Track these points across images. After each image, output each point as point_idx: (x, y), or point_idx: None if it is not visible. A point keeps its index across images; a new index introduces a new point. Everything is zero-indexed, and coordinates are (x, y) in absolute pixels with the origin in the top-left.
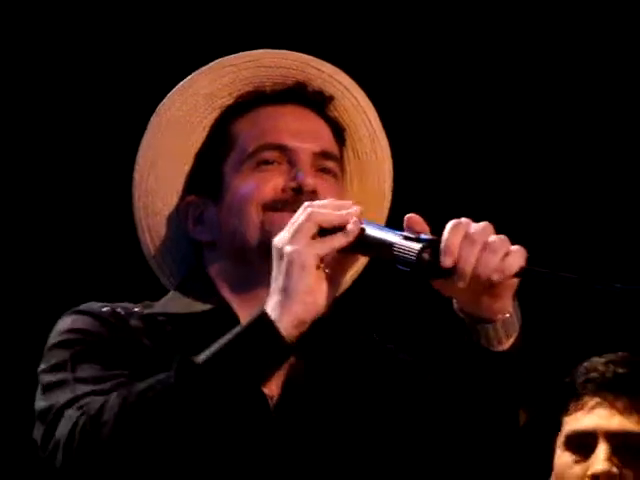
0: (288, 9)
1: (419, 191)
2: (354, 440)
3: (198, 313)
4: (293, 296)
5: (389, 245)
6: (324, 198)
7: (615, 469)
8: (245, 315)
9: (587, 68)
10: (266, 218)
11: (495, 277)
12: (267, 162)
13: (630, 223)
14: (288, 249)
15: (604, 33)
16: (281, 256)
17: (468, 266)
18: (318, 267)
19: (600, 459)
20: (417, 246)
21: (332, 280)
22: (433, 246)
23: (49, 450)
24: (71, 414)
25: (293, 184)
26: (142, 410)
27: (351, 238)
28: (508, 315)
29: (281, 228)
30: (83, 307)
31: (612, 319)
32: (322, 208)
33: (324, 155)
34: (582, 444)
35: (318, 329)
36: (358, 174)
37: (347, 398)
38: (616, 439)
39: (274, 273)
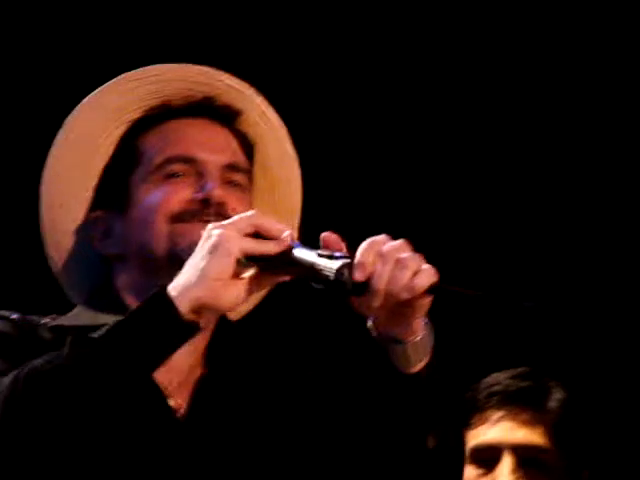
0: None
1: (333, 207)
2: (258, 452)
3: (104, 325)
4: (202, 279)
5: (310, 264)
6: (232, 210)
7: None
8: None
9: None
10: (174, 229)
11: (404, 295)
12: (175, 174)
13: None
14: (218, 231)
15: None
16: (209, 237)
17: (381, 282)
18: (238, 263)
19: (505, 473)
20: (335, 264)
21: (245, 287)
22: (349, 264)
23: None
24: None
25: (201, 195)
26: (32, 385)
27: (280, 248)
28: (419, 337)
29: (189, 239)
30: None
31: (516, 335)
32: (265, 217)
33: (232, 168)
34: (487, 458)
35: (228, 340)
36: (268, 189)
37: (254, 411)
38: (521, 452)
39: (194, 254)
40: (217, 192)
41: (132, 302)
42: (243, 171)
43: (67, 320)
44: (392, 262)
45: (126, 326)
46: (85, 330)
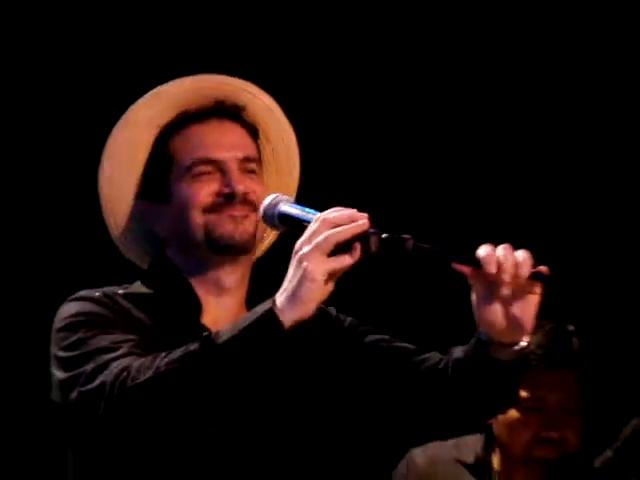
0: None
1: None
2: (314, 398)
3: (167, 294)
4: (299, 302)
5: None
6: (253, 193)
7: None
8: (202, 292)
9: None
10: (207, 220)
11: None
12: (202, 173)
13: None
14: (305, 264)
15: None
16: (300, 263)
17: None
18: (325, 281)
19: None
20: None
21: (330, 284)
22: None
23: (86, 406)
24: (106, 375)
25: (227, 190)
26: (170, 374)
27: (354, 259)
28: (524, 344)
29: (220, 226)
30: (79, 294)
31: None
32: (336, 224)
33: (246, 159)
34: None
35: (262, 291)
36: (274, 164)
37: (311, 363)
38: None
39: (289, 273)
40: (239, 187)
41: (183, 272)
42: (254, 160)
43: (135, 288)
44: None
45: (244, 335)
46: (149, 296)
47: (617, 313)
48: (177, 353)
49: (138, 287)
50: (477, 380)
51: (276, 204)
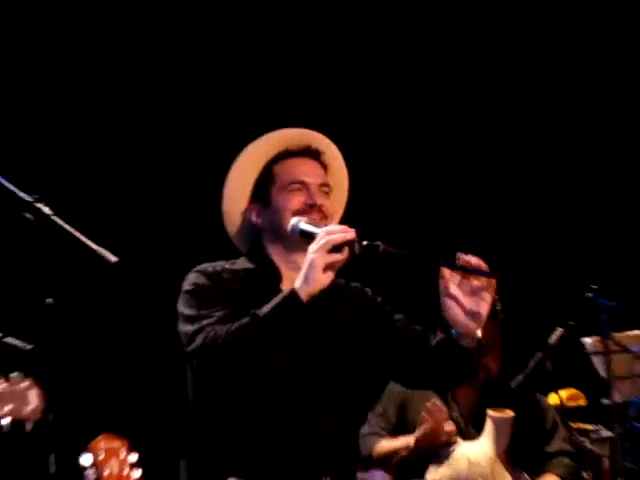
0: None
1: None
2: (346, 345)
3: (259, 268)
4: (309, 282)
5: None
6: (326, 210)
7: None
8: (283, 268)
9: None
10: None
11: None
12: (294, 190)
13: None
14: (312, 257)
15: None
16: (310, 257)
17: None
18: (325, 269)
19: None
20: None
21: (330, 272)
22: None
23: (190, 357)
24: (201, 336)
25: (310, 201)
26: (235, 337)
27: (345, 256)
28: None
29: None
30: (198, 267)
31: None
32: (334, 233)
33: (322, 185)
34: None
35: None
36: (335, 189)
37: (342, 318)
38: None
39: (304, 266)
40: (318, 200)
41: (273, 255)
42: (327, 185)
43: (240, 264)
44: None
45: (277, 307)
46: (247, 270)
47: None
48: (240, 322)
49: (242, 262)
50: (449, 360)
51: (298, 223)
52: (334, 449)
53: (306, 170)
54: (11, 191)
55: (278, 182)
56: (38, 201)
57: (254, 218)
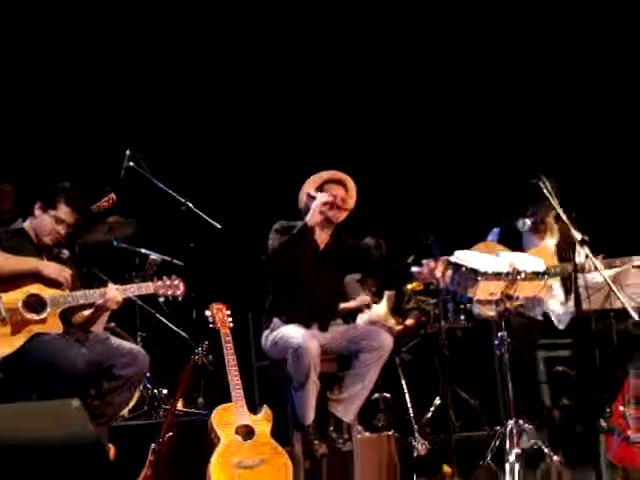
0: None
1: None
2: (340, 263)
3: (304, 228)
4: (312, 215)
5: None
6: (341, 206)
7: None
8: (318, 230)
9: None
10: (323, 211)
11: None
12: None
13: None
14: (313, 209)
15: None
16: (311, 208)
17: None
18: (320, 212)
19: None
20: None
21: (318, 215)
22: None
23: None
24: (270, 249)
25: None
26: (276, 252)
27: (325, 200)
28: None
29: (325, 213)
30: (279, 223)
31: None
32: (320, 202)
33: (343, 200)
34: None
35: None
36: (348, 199)
37: (341, 251)
38: None
39: (310, 211)
40: (339, 204)
41: (310, 222)
42: (344, 200)
43: (297, 224)
44: None
45: (301, 231)
46: (300, 228)
47: None
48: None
49: (297, 223)
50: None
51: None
52: (327, 306)
53: (337, 192)
54: (170, 193)
55: (324, 191)
56: (186, 201)
57: (306, 204)
